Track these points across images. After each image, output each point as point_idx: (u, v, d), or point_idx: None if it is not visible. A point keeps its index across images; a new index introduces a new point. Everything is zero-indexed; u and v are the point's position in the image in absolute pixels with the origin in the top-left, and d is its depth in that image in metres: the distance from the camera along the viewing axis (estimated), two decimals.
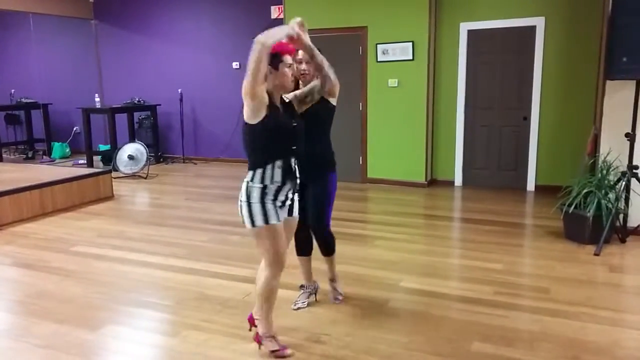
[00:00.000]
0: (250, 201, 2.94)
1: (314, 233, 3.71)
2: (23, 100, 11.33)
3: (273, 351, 3.15)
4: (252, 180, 2.95)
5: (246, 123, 2.90)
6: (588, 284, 4.24)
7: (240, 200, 2.99)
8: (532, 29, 7.21)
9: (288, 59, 2.96)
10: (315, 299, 3.94)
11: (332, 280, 3.95)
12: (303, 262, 3.86)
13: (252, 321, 3.31)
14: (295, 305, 3.83)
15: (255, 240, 3.07)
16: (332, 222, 3.76)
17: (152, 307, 3.91)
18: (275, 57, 2.90)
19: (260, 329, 3.19)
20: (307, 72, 3.45)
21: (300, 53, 3.37)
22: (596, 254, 4.87)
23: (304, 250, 3.81)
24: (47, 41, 11.64)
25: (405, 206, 6.81)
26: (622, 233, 5.27)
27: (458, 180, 7.98)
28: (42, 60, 11.61)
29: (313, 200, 3.57)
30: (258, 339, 3.21)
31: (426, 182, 7.88)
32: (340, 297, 3.93)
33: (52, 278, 4.50)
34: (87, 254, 5.10)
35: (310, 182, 3.52)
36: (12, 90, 11.55)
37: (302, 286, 3.95)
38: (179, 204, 7.11)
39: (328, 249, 3.79)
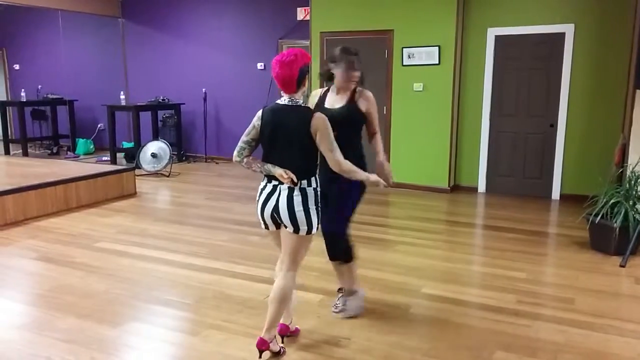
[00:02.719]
0: (318, 206, 3.09)
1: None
2: (49, 96, 11.49)
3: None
4: (313, 185, 3.08)
5: (312, 137, 3.01)
6: (613, 296, 4.17)
7: (309, 207, 3.04)
8: (561, 36, 7.11)
9: None
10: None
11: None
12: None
13: (285, 331, 3.37)
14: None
15: (303, 245, 3.13)
16: (353, 226, 3.76)
17: (173, 305, 3.92)
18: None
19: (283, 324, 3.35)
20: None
21: None
22: (622, 266, 4.78)
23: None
24: (75, 38, 11.78)
25: (427, 211, 6.76)
26: None
27: (482, 186, 7.90)
28: (69, 57, 11.76)
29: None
30: (287, 331, 3.37)
31: (449, 188, 7.81)
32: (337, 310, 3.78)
33: (75, 273, 4.54)
34: (110, 250, 5.14)
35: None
36: (39, 86, 11.72)
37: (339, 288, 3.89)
38: (201, 203, 7.14)
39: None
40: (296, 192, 3.04)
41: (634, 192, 5.06)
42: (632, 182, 5.10)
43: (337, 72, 3.56)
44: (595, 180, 5.85)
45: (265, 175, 3.13)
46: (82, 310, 3.81)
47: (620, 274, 4.65)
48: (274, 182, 3.08)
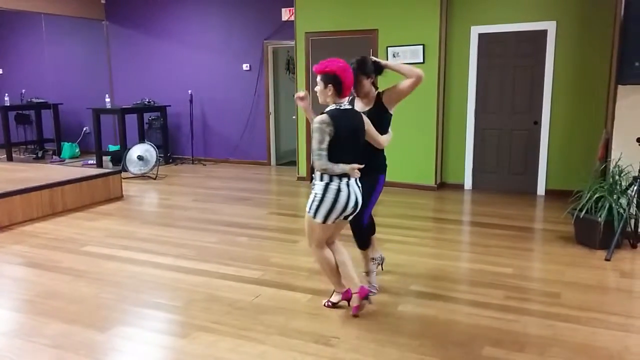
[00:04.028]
0: None
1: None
2: (34, 100, 11.36)
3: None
4: None
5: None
6: (599, 289, 4.22)
7: None
8: (543, 33, 7.17)
9: None
10: (382, 269, 4.43)
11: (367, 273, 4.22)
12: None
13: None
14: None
15: None
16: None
17: (161, 308, 3.91)
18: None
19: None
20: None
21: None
22: (607, 259, 4.84)
23: None
24: (59, 41, 11.70)
25: (414, 209, 6.79)
26: (633, 238, 5.23)
27: (468, 183, 7.95)
28: (53, 60, 11.67)
29: None
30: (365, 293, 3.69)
31: (436, 186, 7.85)
32: (373, 291, 4.06)
33: (62, 278, 4.51)
34: (97, 254, 5.12)
35: None
36: (23, 90, 11.59)
37: (372, 259, 4.22)
38: (188, 205, 7.12)
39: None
40: (357, 182, 3.56)
41: (618, 187, 5.12)
42: (616, 176, 5.16)
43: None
44: (579, 176, 5.93)
45: (333, 176, 3.43)
46: (70, 315, 3.79)
47: (606, 267, 4.70)
48: (345, 180, 3.47)
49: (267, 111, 10.00)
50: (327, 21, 8.08)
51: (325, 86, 3.47)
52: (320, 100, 3.58)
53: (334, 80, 3.43)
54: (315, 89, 3.57)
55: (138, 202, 7.48)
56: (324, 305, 3.87)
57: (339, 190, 3.43)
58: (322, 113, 3.45)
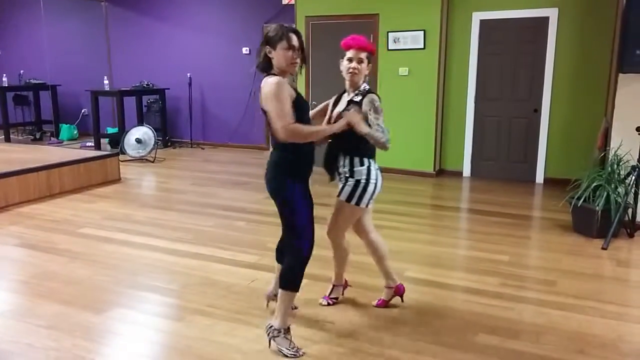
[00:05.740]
0: None
1: None
2: (32, 81, 11.31)
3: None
4: None
5: None
6: (595, 278, 4.22)
7: None
8: (545, 20, 7.12)
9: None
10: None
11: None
12: None
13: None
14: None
15: None
16: None
17: (157, 290, 3.91)
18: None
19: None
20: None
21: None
22: (604, 248, 4.84)
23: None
24: (57, 22, 11.59)
25: (412, 196, 6.78)
26: (631, 228, 5.22)
27: (466, 171, 7.94)
28: (51, 41, 11.58)
29: None
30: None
31: (434, 172, 7.84)
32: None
33: (58, 259, 4.51)
34: (94, 236, 5.11)
35: None
36: (21, 71, 11.54)
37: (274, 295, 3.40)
38: (186, 189, 7.11)
39: None
40: None
41: (616, 176, 5.11)
42: (614, 165, 5.15)
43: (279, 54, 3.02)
44: (578, 164, 5.92)
45: (370, 159, 3.32)
46: (65, 296, 3.79)
47: (602, 256, 4.71)
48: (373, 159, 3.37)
49: None
50: (327, 5, 8.00)
51: (368, 64, 3.30)
52: (357, 79, 3.30)
53: (372, 60, 3.34)
54: (357, 66, 3.27)
55: (136, 185, 7.47)
56: (323, 304, 3.67)
57: (377, 170, 3.36)
58: (369, 92, 3.29)
